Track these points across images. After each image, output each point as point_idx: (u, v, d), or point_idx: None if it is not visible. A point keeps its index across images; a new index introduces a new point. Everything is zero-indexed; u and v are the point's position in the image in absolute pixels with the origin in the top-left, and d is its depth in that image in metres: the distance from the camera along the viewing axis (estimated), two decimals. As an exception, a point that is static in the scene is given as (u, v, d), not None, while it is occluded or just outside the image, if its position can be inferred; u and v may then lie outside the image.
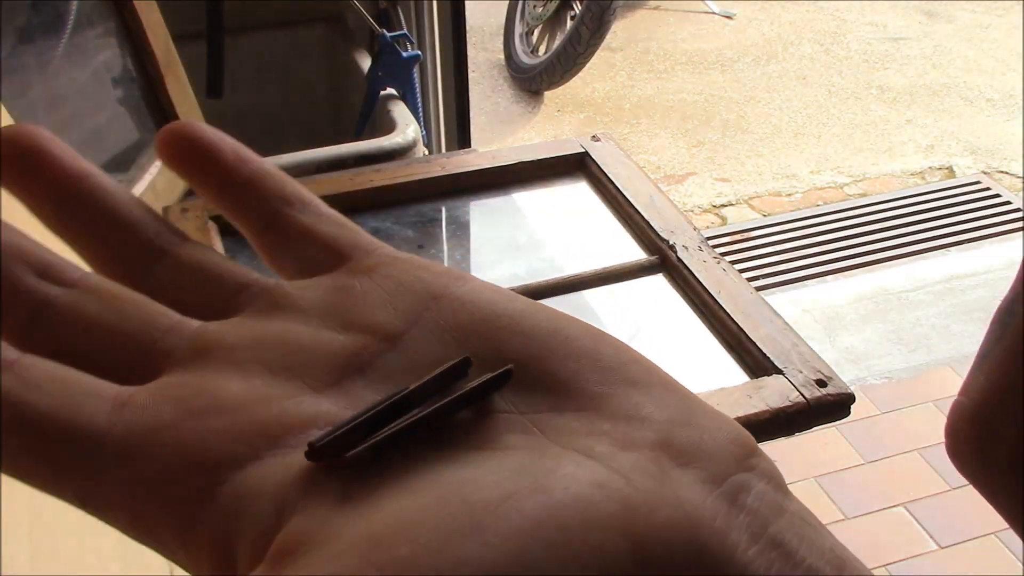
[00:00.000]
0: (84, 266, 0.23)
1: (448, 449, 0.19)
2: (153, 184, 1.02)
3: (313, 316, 0.22)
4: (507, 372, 0.20)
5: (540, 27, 3.40)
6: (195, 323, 0.22)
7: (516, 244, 0.99)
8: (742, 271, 2.29)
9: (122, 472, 0.19)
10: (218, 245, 0.93)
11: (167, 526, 0.19)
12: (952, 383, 2.02)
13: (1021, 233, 2.48)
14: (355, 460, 0.19)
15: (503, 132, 3.21)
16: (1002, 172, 2.81)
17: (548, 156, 1.07)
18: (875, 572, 1.66)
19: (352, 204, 1.01)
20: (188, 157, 0.24)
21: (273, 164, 0.25)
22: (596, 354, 0.21)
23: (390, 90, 1.38)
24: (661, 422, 0.19)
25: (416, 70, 1.42)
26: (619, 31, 3.71)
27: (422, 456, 0.19)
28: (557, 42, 3.27)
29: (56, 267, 0.22)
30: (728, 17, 3.88)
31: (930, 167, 2.91)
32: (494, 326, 0.21)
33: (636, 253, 0.95)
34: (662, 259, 0.92)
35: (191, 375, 0.21)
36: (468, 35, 1.57)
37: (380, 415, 0.19)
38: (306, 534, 0.17)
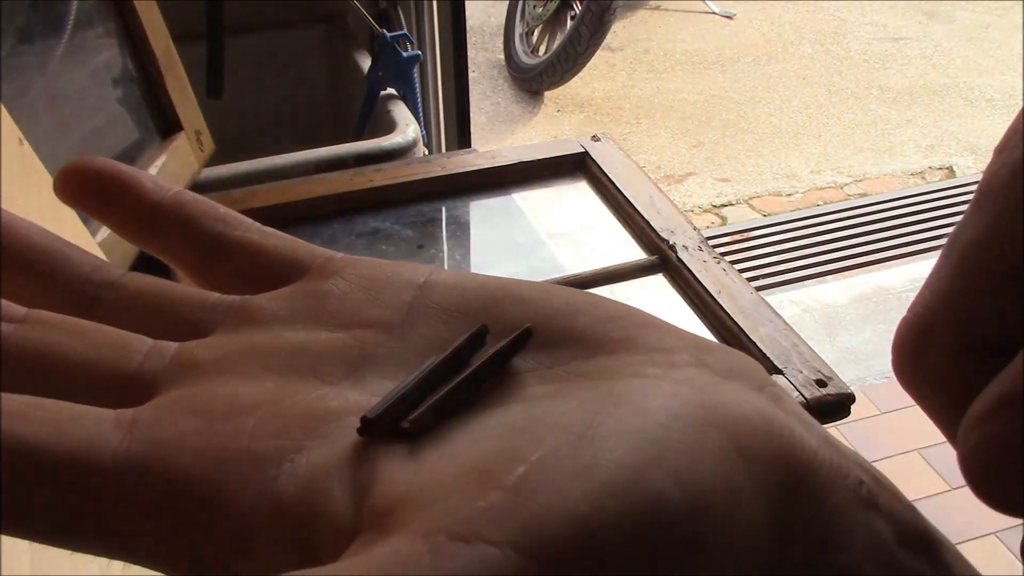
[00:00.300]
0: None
1: (500, 406, 0.18)
2: (153, 184, 1.02)
3: (297, 323, 0.21)
4: (528, 330, 0.20)
5: (540, 27, 3.40)
6: (172, 344, 0.21)
7: (516, 244, 0.99)
8: (742, 271, 2.29)
9: (152, 490, 0.17)
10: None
11: (223, 536, 0.17)
12: (952, 383, 2.03)
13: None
14: (415, 426, 0.18)
15: (503, 132, 3.21)
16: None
17: (548, 156, 1.07)
18: (875, 572, 1.66)
19: (352, 204, 1.01)
20: (99, 192, 0.22)
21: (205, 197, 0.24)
22: (599, 308, 0.21)
23: (390, 90, 1.38)
24: (690, 349, 0.20)
25: (416, 70, 1.42)
26: (619, 31, 3.71)
27: (476, 416, 0.18)
28: (557, 42, 3.27)
29: None
30: (728, 17, 3.88)
31: (930, 167, 2.91)
32: (489, 300, 0.21)
33: (636, 253, 0.95)
34: (662, 259, 0.92)
35: (193, 388, 0.19)
36: (468, 35, 1.57)
37: (421, 385, 0.19)
38: (399, 493, 0.16)
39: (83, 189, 0.22)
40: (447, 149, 1.60)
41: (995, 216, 0.18)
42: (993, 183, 0.18)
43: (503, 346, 0.20)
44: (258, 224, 0.23)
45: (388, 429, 0.18)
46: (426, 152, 1.32)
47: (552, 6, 3.32)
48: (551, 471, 0.15)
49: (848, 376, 2.00)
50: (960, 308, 0.18)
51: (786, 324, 0.81)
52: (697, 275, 0.87)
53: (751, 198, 2.78)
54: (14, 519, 0.17)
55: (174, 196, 0.23)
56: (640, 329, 0.20)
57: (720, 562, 0.16)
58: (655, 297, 0.90)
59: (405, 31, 1.43)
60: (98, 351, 0.20)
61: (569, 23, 3.24)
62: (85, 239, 0.77)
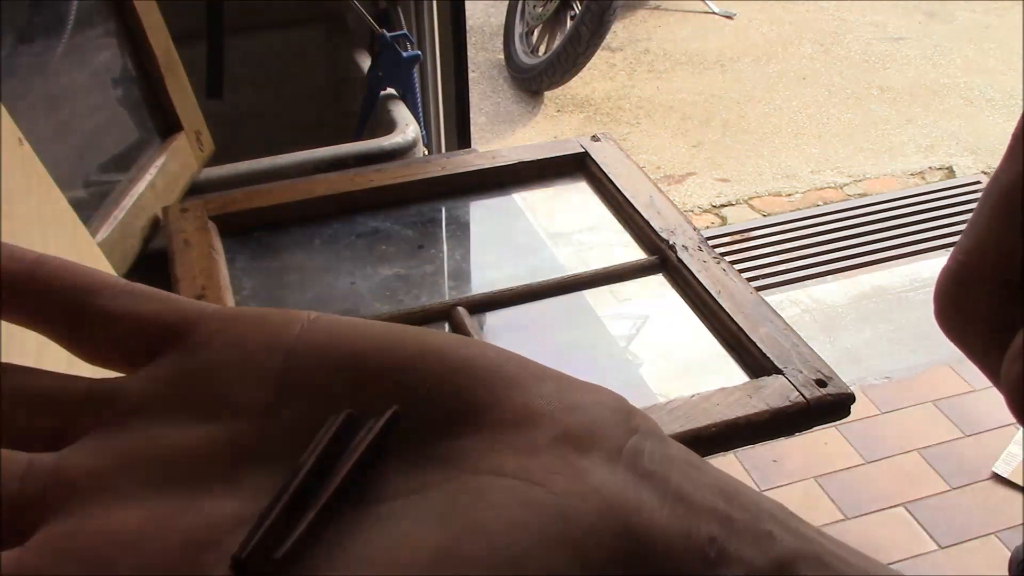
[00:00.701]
0: None
1: (368, 507, 0.19)
2: (153, 183, 1.02)
3: (168, 414, 0.21)
4: (395, 415, 0.20)
5: (540, 27, 3.40)
6: (48, 458, 0.20)
7: (516, 244, 0.99)
8: (742, 271, 2.29)
9: None
10: (218, 245, 0.93)
11: None
12: (952, 383, 2.02)
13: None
14: (287, 559, 0.18)
15: (503, 132, 3.21)
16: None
17: (548, 156, 1.07)
18: (875, 572, 1.66)
19: (352, 204, 1.01)
20: None
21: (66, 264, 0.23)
22: (471, 364, 0.21)
23: (390, 90, 1.38)
24: (551, 415, 0.20)
25: (416, 70, 1.42)
26: (619, 31, 3.71)
27: (346, 526, 0.19)
28: (557, 42, 3.27)
29: None
30: (728, 17, 3.88)
31: (930, 167, 2.91)
32: (357, 365, 0.21)
33: (636, 253, 0.95)
34: (662, 259, 0.92)
35: (76, 519, 0.19)
36: (468, 35, 1.57)
37: (288, 506, 0.19)
38: None
39: None
40: (447, 149, 1.60)
41: None
42: None
43: (368, 446, 0.20)
44: (126, 285, 0.22)
45: (260, 563, 0.18)
46: (426, 152, 1.32)
47: (552, 6, 3.32)
48: None
49: (848, 376, 2.00)
50: (998, 248, 0.19)
51: (786, 324, 0.81)
52: (697, 275, 0.87)
53: (751, 198, 2.78)
54: None
55: (31, 264, 0.22)
56: (507, 392, 0.20)
57: None
58: (655, 297, 0.90)
59: (405, 31, 1.43)
60: None
61: (569, 23, 3.24)
62: (85, 239, 0.77)
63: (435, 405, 0.20)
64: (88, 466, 0.20)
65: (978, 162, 2.86)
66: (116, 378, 0.22)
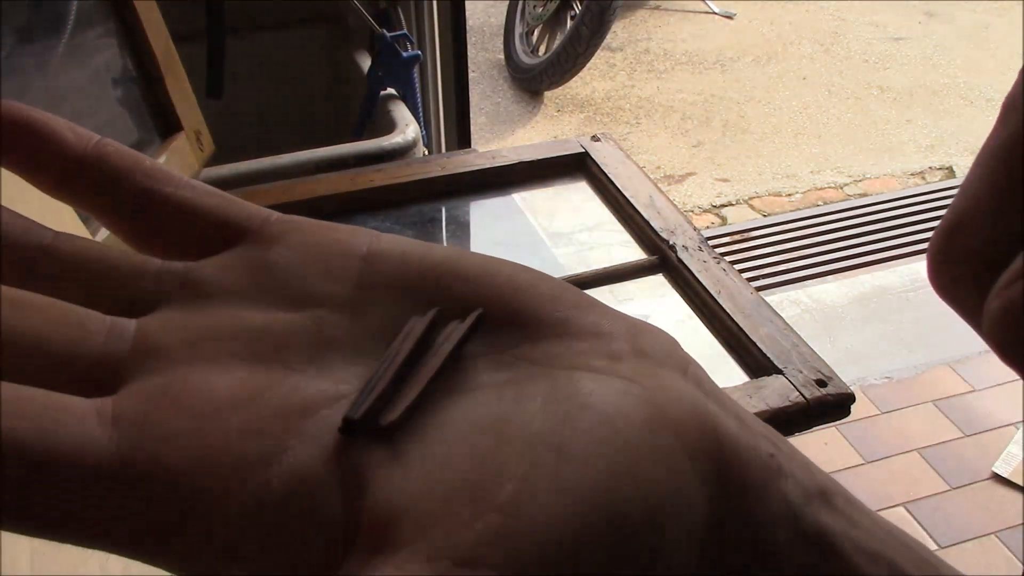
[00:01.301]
0: None
1: (463, 394, 0.19)
2: (153, 184, 1.02)
3: (249, 299, 0.20)
4: (481, 316, 0.21)
5: (540, 27, 3.40)
6: (130, 323, 0.20)
7: (516, 244, 0.99)
8: (742, 271, 2.29)
9: (148, 496, 0.17)
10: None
11: (216, 543, 0.17)
12: (952, 383, 2.02)
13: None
14: (394, 426, 0.18)
15: (503, 132, 3.21)
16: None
17: (548, 156, 1.07)
18: (875, 572, 1.66)
19: (352, 204, 1.01)
20: (14, 142, 0.21)
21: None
22: (537, 287, 0.21)
23: (390, 90, 1.38)
24: (623, 334, 0.21)
25: (416, 70, 1.42)
26: (619, 31, 3.71)
27: (442, 408, 0.19)
28: (557, 42, 3.27)
29: None
30: (728, 17, 3.88)
31: (930, 167, 2.91)
32: (434, 275, 0.21)
33: (636, 253, 0.95)
34: (662, 259, 0.92)
35: (167, 377, 0.19)
36: (468, 35, 1.57)
37: (396, 376, 0.19)
38: (394, 504, 0.17)
39: (5, 136, 0.21)
40: (447, 149, 1.60)
41: (1017, 125, 0.19)
42: (1017, 98, 0.20)
43: (462, 337, 0.20)
44: (189, 180, 0.22)
45: (368, 428, 0.18)
46: (426, 152, 1.32)
47: (552, 6, 3.32)
48: (536, 490, 0.16)
49: (848, 376, 2.00)
50: (989, 206, 0.20)
51: (786, 324, 0.81)
52: (697, 275, 0.87)
53: (751, 198, 2.78)
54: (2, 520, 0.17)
55: (96, 147, 0.21)
56: (576, 311, 0.21)
57: (669, 563, 0.17)
58: (655, 297, 0.90)
59: (405, 31, 1.43)
60: (56, 330, 0.19)
61: (569, 23, 3.24)
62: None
63: (512, 315, 0.21)
64: (174, 337, 0.19)
65: (978, 162, 2.86)
66: (188, 263, 0.21)
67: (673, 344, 0.21)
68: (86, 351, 0.19)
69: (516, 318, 0.21)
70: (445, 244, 0.99)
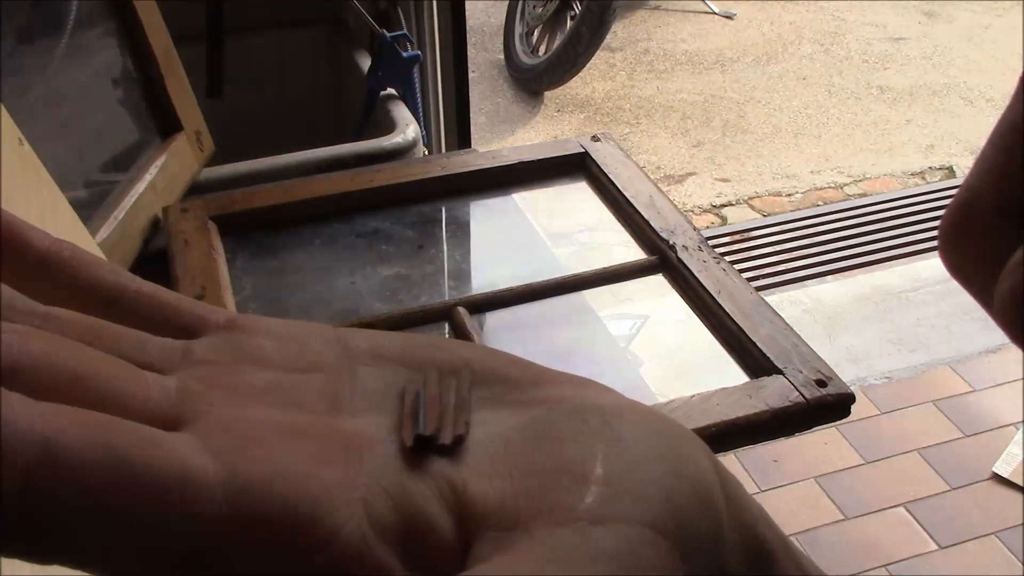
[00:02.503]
0: None
1: (480, 425, 0.20)
2: (153, 184, 1.02)
3: (249, 367, 0.21)
4: (470, 366, 0.22)
5: (540, 27, 3.40)
6: (169, 377, 0.20)
7: (516, 244, 0.99)
8: (742, 271, 2.29)
9: (263, 517, 0.17)
10: (218, 245, 0.93)
11: (332, 559, 0.17)
12: (952, 383, 2.02)
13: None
14: (459, 440, 0.19)
15: (503, 132, 3.21)
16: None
17: (548, 156, 1.07)
18: (875, 572, 1.66)
19: (352, 204, 1.01)
20: None
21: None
22: (497, 356, 0.22)
23: (390, 90, 1.38)
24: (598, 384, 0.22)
25: (416, 70, 1.42)
26: (619, 31, 3.71)
27: (475, 427, 0.20)
28: (557, 42, 3.27)
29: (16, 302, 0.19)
30: (728, 17, 3.88)
31: (930, 167, 2.91)
32: (412, 352, 0.22)
33: (636, 253, 0.95)
34: (662, 259, 0.92)
35: (223, 418, 0.19)
36: (468, 35, 1.57)
37: (436, 406, 0.20)
38: (487, 500, 0.18)
39: None
40: (447, 149, 1.60)
41: None
42: None
43: (470, 381, 0.21)
44: (144, 280, 0.22)
45: (435, 446, 0.19)
46: (426, 152, 1.32)
47: (552, 6, 3.32)
48: (618, 463, 0.18)
49: (848, 376, 2.00)
50: (1002, 181, 0.20)
51: (786, 324, 0.81)
52: (697, 275, 0.87)
53: (751, 198, 2.78)
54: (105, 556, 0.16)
55: (56, 246, 0.21)
56: (538, 369, 0.22)
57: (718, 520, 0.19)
58: (655, 297, 0.90)
59: (405, 31, 1.43)
60: (118, 372, 0.19)
61: (569, 23, 3.24)
62: (85, 239, 0.77)
63: (491, 373, 0.22)
64: (207, 383, 0.20)
65: (978, 162, 2.86)
66: (182, 340, 0.21)
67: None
68: (144, 394, 0.19)
69: (493, 377, 0.22)
70: (445, 244, 0.99)
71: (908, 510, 1.77)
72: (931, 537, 1.71)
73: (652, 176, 1.12)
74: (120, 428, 0.16)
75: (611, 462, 0.18)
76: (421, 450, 0.19)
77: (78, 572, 0.16)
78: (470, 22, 1.78)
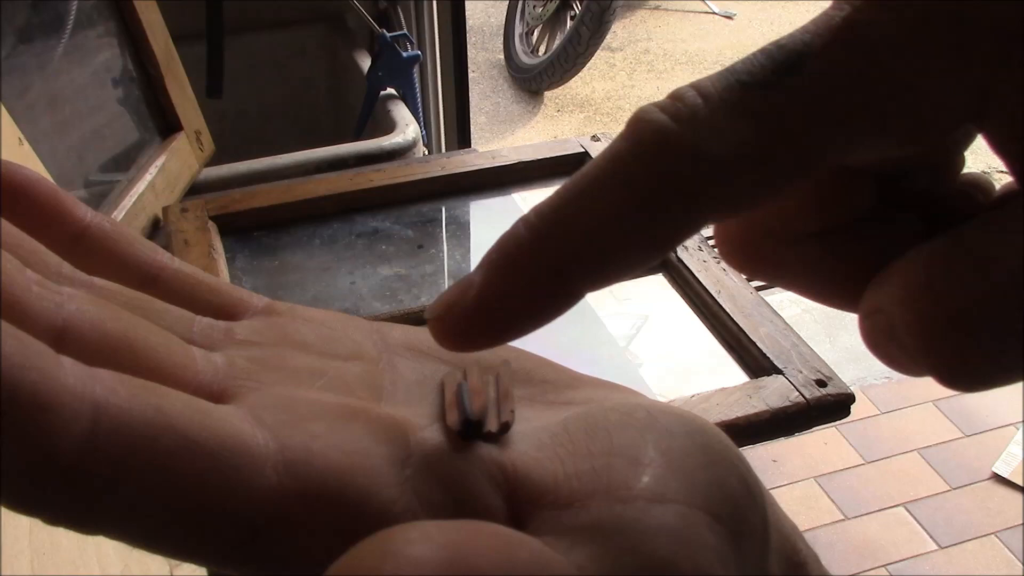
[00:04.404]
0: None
1: (519, 421, 0.20)
2: (153, 184, 1.02)
3: (291, 351, 0.21)
4: (507, 363, 0.22)
5: (540, 27, 3.40)
6: (215, 353, 0.20)
7: (516, 244, 0.99)
8: (742, 271, 2.29)
9: (316, 490, 0.16)
10: (218, 245, 0.93)
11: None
12: (952, 383, 2.02)
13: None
14: (505, 428, 0.19)
15: (503, 132, 3.21)
16: (1002, 172, 2.81)
17: (548, 156, 1.07)
18: (875, 572, 1.66)
19: (352, 204, 1.01)
20: (29, 205, 0.20)
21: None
22: (529, 357, 0.23)
23: (390, 90, 1.38)
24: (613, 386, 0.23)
25: (416, 70, 1.42)
26: (619, 31, 3.71)
27: (524, 418, 0.20)
28: (557, 42, 3.27)
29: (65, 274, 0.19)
30: (728, 17, 3.88)
31: (930, 167, 2.90)
32: (438, 351, 0.22)
33: (636, 253, 0.95)
34: (662, 259, 0.92)
35: (272, 396, 0.19)
36: (468, 35, 1.57)
37: (477, 395, 0.20)
38: (540, 481, 0.18)
39: (13, 197, 0.20)
40: (447, 149, 1.60)
41: None
42: None
43: (509, 375, 0.21)
44: (183, 261, 0.23)
45: (481, 433, 0.19)
46: (426, 152, 1.32)
47: (552, 6, 3.32)
48: (669, 451, 0.18)
49: (848, 376, 2.00)
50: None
51: (786, 324, 0.81)
52: (697, 275, 0.87)
53: (751, 198, 2.78)
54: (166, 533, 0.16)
55: (97, 219, 0.21)
56: (573, 372, 0.23)
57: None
58: (655, 297, 0.90)
59: (405, 31, 1.43)
60: (165, 342, 0.19)
61: (569, 23, 3.24)
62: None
63: (526, 374, 0.22)
64: (254, 362, 0.20)
65: (978, 162, 2.86)
66: (225, 321, 0.21)
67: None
68: (192, 366, 0.19)
69: (531, 376, 0.22)
70: (445, 244, 0.99)
71: (908, 510, 1.77)
72: (931, 537, 1.71)
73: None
74: (171, 395, 0.16)
75: (663, 448, 0.18)
76: (468, 435, 0.19)
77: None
78: (470, 22, 1.79)
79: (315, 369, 0.20)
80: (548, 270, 0.18)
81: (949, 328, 0.17)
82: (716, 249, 0.21)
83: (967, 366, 0.17)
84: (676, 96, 0.18)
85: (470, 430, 0.19)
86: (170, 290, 0.21)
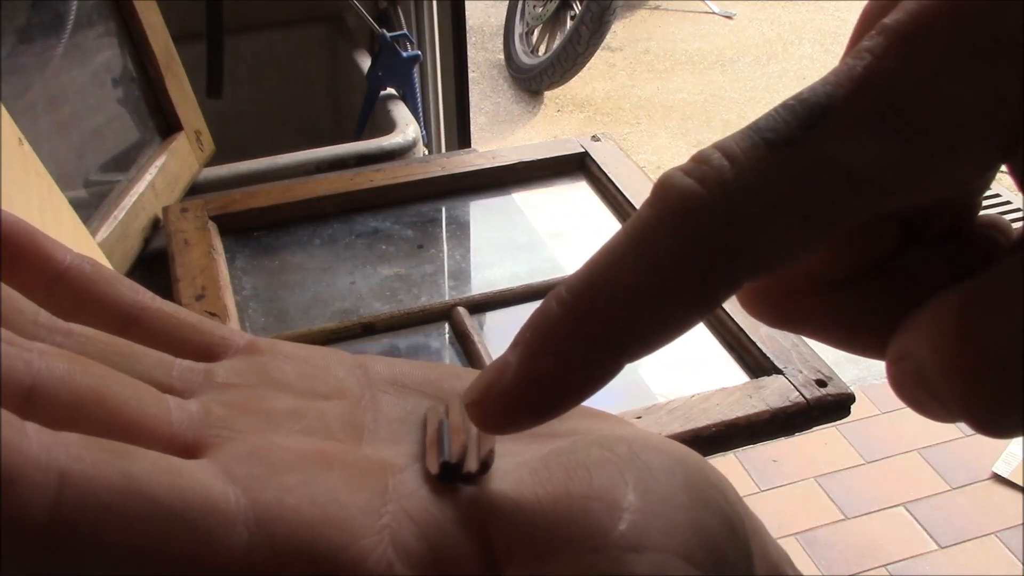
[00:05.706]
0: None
1: (501, 456, 0.20)
2: (153, 184, 1.02)
3: (271, 392, 0.21)
4: None
5: (540, 27, 3.40)
6: (190, 401, 0.20)
7: (516, 244, 0.99)
8: (742, 271, 2.29)
9: (288, 547, 0.16)
10: (218, 245, 0.93)
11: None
12: (952, 383, 2.02)
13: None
14: (484, 468, 0.19)
15: (503, 132, 3.21)
16: (1002, 172, 2.80)
17: (548, 156, 1.07)
18: (875, 572, 1.66)
19: (352, 204, 1.01)
20: (9, 251, 0.20)
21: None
22: None
23: (390, 90, 1.38)
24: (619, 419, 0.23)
25: (416, 70, 1.42)
26: (619, 31, 3.71)
27: (506, 453, 0.20)
28: (557, 42, 3.27)
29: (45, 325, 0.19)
30: (728, 17, 3.88)
31: (930, 167, 2.90)
32: (433, 381, 0.22)
33: (636, 253, 0.95)
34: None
35: (247, 445, 0.19)
36: (468, 35, 1.57)
37: (457, 434, 0.20)
38: (520, 525, 0.18)
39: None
40: (447, 149, 1.60)
41: None
42: None
43: None
44: (164, 300, 0.22)
45: (460, 475, 0.19)
46: (426, 152, 1.32)
47: (552, 6, 3.32)
48: (648, 493, 0.18)
49: (848, 376, 2.00)
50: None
51: (786, 324, 0.81)
52: (697, 275, 0.87)
53: (751, 198, 2.78)
54: None
55: (77, 260, 0.21)
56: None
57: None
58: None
59: (405, 31, 1.43)
60: (137, 395, 0.19)
61: (569, 23, 3.24)
62: (85, 239, 0.77)
63: None
64: (231, 408, 0.20)
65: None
66: (204, 363, 0.21)
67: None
68: (165, 418, 0.19)
69: None
70: (445, 244, 0.99)
71: (908, 510, 1.77)
72: (931, 537, 1.71)
73: (652, 176, 1.12)
74: (139, 456, 0.16)
75: (642, 490, 0.18)
76: (446, 478, 0.19)
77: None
78: (470, 22, 1.79)
79: (295, 410, 0.20)
80: (585, 345, 0.17)
81: (985, 372, 0.16)
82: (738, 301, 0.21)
83: (1004, 408, 0.16)
84: (700, 159, 0.18)
85: (449, 473, 0.19)
86: (151, 330, 0.21)
